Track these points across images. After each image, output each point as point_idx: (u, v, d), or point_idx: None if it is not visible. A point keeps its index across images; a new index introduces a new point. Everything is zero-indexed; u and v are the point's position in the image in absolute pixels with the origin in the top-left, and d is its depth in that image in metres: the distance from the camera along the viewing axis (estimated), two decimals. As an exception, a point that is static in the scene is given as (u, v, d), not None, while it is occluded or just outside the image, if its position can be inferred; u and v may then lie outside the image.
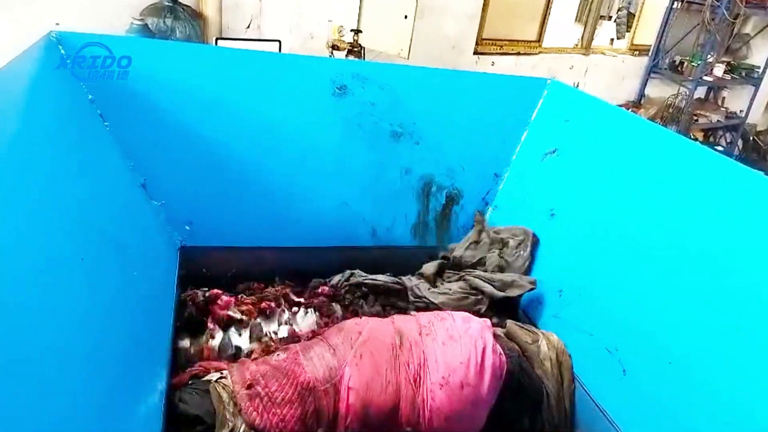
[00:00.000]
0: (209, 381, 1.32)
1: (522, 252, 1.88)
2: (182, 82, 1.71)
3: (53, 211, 1.11)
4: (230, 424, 1.22)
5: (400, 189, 2.04)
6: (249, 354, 1.54)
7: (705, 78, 5.91)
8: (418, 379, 1.34)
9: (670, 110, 5.96)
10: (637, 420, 1.39)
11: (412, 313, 1.62)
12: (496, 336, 1.48)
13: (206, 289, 1.69)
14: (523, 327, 1.61)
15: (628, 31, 6.13)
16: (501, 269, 1.87)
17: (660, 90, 6.27)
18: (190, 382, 1.34)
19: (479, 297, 1.77)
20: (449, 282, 1.88)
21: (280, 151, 1.87)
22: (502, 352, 1.41)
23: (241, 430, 1.22)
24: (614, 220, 1.65)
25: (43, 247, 1.02)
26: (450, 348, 1.38)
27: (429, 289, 1.84)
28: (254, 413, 1.24)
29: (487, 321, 1.51)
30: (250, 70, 1.79)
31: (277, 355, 1.39)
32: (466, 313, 1.55)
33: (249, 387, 1.28)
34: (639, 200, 1.61)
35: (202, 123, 1.76)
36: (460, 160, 2.09)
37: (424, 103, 2.00)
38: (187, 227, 1.80)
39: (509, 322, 1.63)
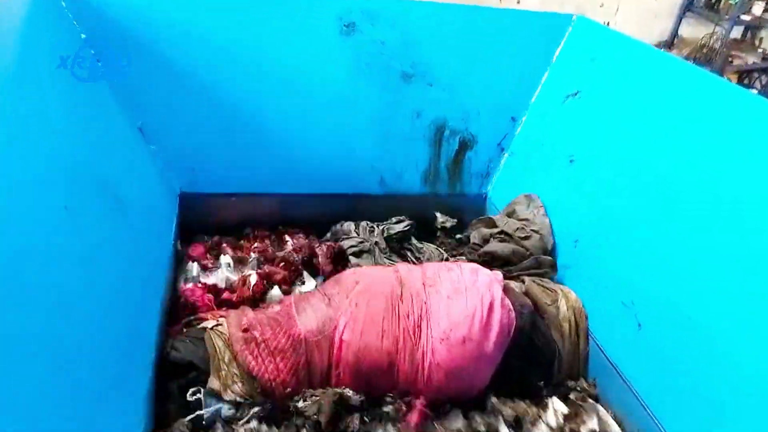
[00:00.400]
0: (204, 329, 1.29)
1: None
2: (180, 20, 1.60)
3: (42, 152, 1.05)
4: (223, 372, 1.19)
5: (411, 134, 1.94)
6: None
7: (743, 17, 5.51)
8: (417, 332, 1.28)
9: (704, 51, 5.61)
10: (650, 376, 1.33)
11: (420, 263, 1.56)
12: (507, 290, 1.41)
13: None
14: (541, 284, 1.53)
15: (663, -34, 5.71)
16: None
17: (694, 30, 5.89)
18: (184, 330, 1.31)
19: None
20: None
21: (284, 94, 1.77)
22: (512, 308, 1.34)
23: (235, 375, 1.20)
24: (638, 168, 1.53)
25: (32, 191, 0.97)
26: (455, 301, 1.31)
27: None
28: (249, 357, 1.22)
29: (498, 274, 1.44)
30: (251, 7, 1.66)
31: (272, 306, 1.35)
32: (476, 265, 1.47)
33: (245, 331, 1.25)
34: (667, 146, 1.48)
35: (202, 64, 1.66)
36: (476, 103, 1.96)
37: (438, 41, 1.86)
38: (187, 173, 1.74)
39: (527, 279, 1.56)
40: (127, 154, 1.55)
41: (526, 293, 1.50)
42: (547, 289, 1.51)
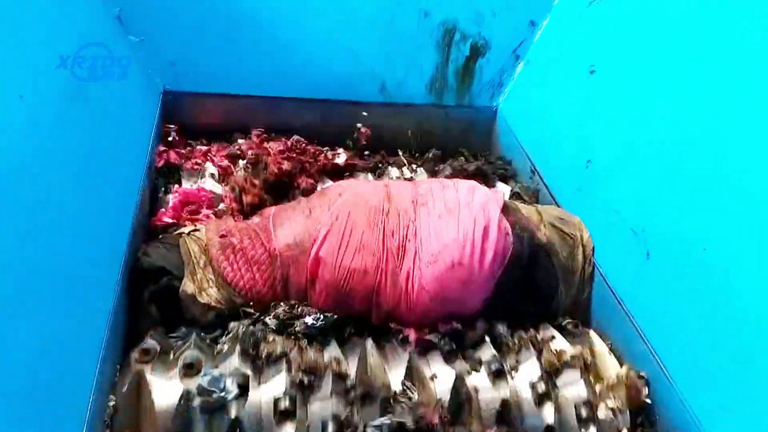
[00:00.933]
0: (180, 235, 1.22)
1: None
2: None
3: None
4: (199, 275, 1.14)
5: (417, 36, 1.75)
6: None
7: None
8: (402, 252, 1.20)
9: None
10: (654, 311, 1.25)
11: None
12: (508, 211, 1.30)
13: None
14: (560, 227, 1.40)
15: None
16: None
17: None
18: (160, 236, 1.25)
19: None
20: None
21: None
22: (509, 232, 1.24)
23: (210, 280, 1.14)
24: (662, 86, 1.37)
25: None
26: (445, 222, 1.21)
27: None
28: (225, 263, 1.17)
29: (499, 192, 1.33)
30: None
31: (253, 218, 1.27)
32: (473, 182, 1.36)
33: (222, 237, 1.20)
34: (695, 65, 1.30)
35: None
36: (491, 3, 1.75)
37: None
38: (171, 68, 1.60)
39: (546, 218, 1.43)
40: (104, 45, 1.41)
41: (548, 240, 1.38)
42: (567, 235, 1.39)
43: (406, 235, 1.21)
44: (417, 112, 1.84)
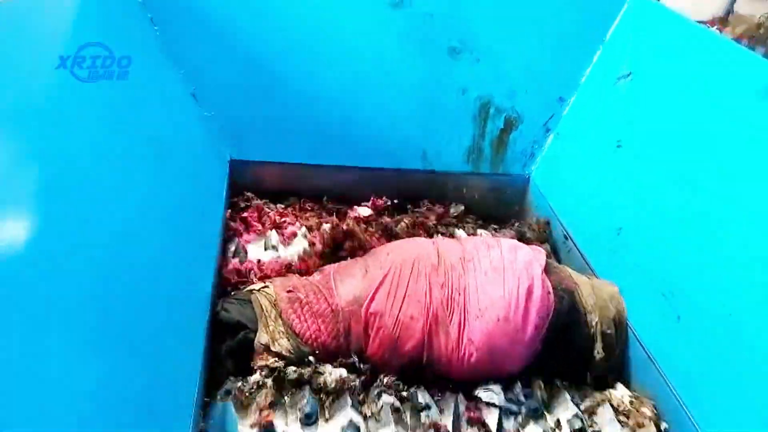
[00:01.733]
0: (251, 291, 1.34)
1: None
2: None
3: (97, 116, 1.09)
4: (271, 327, 1.25)
5: (456, 110, 1.93)
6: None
7: (807, -6, 5.21)
8: (450, 303, 1.31)
9: (761, 30, 5.34)
10: (686, 370, 1.33)
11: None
12: (548, 271, 1.41)
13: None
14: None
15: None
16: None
17: (751, 6, 5.59)
18: (232, 293, 1.38)
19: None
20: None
21: (331, 65, 1.78)
22: (551, 291, 1.35)
23: (281, 332, 1.25)
24: (687, 157, 1.50)
25: (88, 156, 1.01)
26: (491, 279, 1.33)
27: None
28: (293, 315, 1.28)
29: (541, 251, 1.44)
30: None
31: (314, 275, 1.40)
32: (515, 241, 1.48)
33: (289, 292, 1.32)
34: (717, 136, 1.44)
35: (254, 33, 1.70)
36: (523, 81, 1.93)
37: (487, 15, 1.83)
38: (237, 140, 1.78)
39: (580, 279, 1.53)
40: (181, 119, 1.60)
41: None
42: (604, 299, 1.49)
43: (456, 288, 1.33)
44: (455, 178, 1.99)
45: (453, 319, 1.30)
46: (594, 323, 1.39)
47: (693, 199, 1.45)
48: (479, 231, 1.91)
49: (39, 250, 0.83)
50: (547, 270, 1.40)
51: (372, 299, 1.30)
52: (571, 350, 1.40)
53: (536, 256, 1.42)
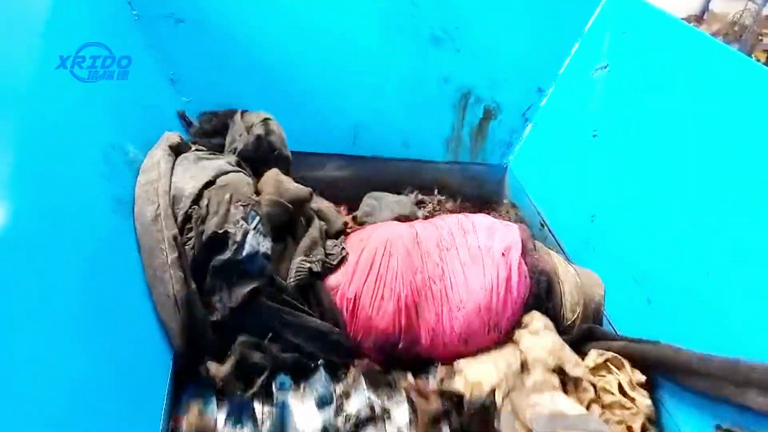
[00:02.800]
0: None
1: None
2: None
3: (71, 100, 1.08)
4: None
5: (437, 99, 1.95)
6: None
7: (779, -7, 5.33)
8: (428, 291, 1.31)
9: (735, 28, 5.46)
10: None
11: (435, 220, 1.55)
12: (525, 252, 1.40)
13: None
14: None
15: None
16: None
17: (725, 5, 5.71)
18: None
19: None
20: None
21: (313, 53, 1.78)
22: (528, 275, 1.37)
23: None
24: (660, 146, 1.54)
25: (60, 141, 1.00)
26: (470, 268, 1.34)
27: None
28: None
29: (516, 232, 1.43)
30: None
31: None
32: (491, 222, 1.47)
33: None
34: (691, 126, 1.48)
35: (233, 17, 1.67)
36: (503, 72, 1.96)
37: (470, 5, 1.84)
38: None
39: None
40: (159, 105, 1.58)
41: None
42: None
43: (431, 277, 1.32)
44: (435, 167, 2.01)
45: (431, 307, 1.31)
46: (568, 306, 1.42)
47: (665, 187, 1.49)
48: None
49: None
50: (524, 252, 1.41)
51: (348, 284, 1.29)
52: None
53: (513, 240, 1.42)
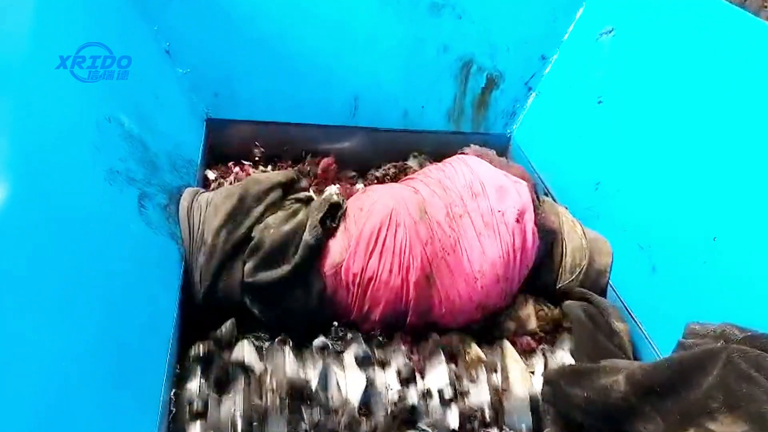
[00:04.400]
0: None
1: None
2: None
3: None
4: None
5: (437, 68, 1.90)
6: None
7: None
8: (440, 262, 1.26)
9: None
10: (662, 319, 1.36)
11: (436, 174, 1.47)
12: (535, 210, 1.37)
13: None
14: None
15: None
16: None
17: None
18: None
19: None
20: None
21: (310, 21, 1.74)
22: (537, 234, 1.33)
23: None
24: (666, 112, 1.50)
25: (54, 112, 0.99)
26: (486, 237, 1.28)
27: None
28: None
29: (526, 191, 1.38)
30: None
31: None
32: (500, 180, 1.39)
33: None
34: (698, 92, 1.44)
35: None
36: (505, 39, 1.90)
37: (470, -30, 1.79)
38: (212, 98, 1.75)
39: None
40: (155, 77, 1.56)
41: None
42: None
43: (444, 248, 1.27)
44: (436, 138, 1.97)
45: (445, 279, 1.26)
46: (568, 266, 1.39)
47: (670, 152, 1.46)
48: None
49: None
50: (534, 211, 1.37)
51: (353, 257, 1.25)
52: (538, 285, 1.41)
53: (526, 202, 1.35)
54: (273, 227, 1.23)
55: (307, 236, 1.21)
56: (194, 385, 1.10)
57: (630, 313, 1.42)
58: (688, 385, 0.97)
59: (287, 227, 1.23)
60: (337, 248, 1.27)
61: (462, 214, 1.31)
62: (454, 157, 1.57)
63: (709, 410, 0.94)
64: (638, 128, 1.58)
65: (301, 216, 1.27)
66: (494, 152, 1.75)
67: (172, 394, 1.08)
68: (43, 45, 1.02)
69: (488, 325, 1.35)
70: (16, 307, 0.75)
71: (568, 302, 1.36)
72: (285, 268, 1.21)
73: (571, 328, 1.33)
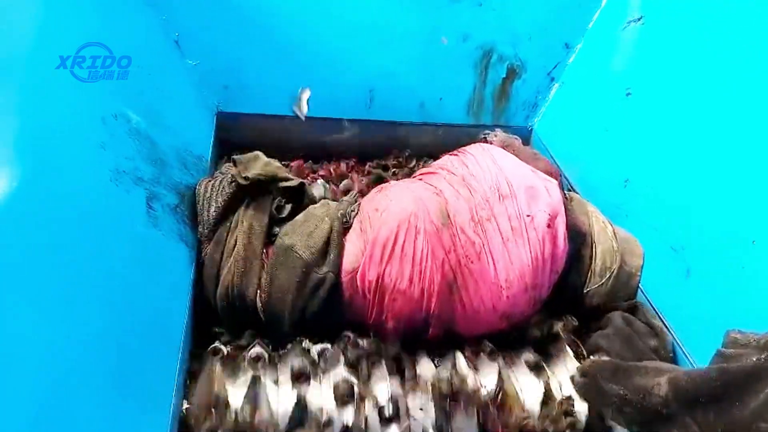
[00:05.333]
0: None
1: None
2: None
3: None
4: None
5: (456, 58, 1.82)
6: None
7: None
8: (464, 269, 1.17)
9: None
10: (696, 326, 1.29)
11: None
12: (567, 211, 1.29)
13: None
14: None
15: None
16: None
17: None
18: None
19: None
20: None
21: (327, 12, 1.66)
22: (566, 242, 1.25)
23: None
24: (699, 105, 1.42)
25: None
26: (514, 244, 1.19)
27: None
28: None
29: (557, 191, 1.29)
30: None
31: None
32: (529, 179, 1.28)
33: None
34: (732, 82, 1.35)
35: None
36: (527, 27, 1.81)
37: (490, -46, 1.71)
38: (223, 91, 1.68)
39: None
40: (164, 69, 1.50)
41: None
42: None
43: (469, 255, 1.18)
44: (456, 131, 1.90)
45: (470, 289, 1.18)
46: (597, 270, 1.32)
47: (705, 147, 1.38)
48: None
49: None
50: (565, 213, 1.28)
51: (368, 264, 1.17)
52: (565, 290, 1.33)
53: (556, 204, 1.25)
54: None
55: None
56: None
57: (662, 319, 1.35)
58: (735, 400, 0.92)
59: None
60: (352, 252, 1.20)
61: (489, 218, 1.21)
62: (476, 145, 1.47)
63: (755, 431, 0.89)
64: (670, 122, 1.50)
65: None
66: (520, 141, 1.67)
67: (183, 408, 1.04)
68: (45, 43, 0.98)
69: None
70: (19, 311, 0.72)
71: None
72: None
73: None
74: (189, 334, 1.15)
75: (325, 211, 1.26)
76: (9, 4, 0.96)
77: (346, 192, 1.59)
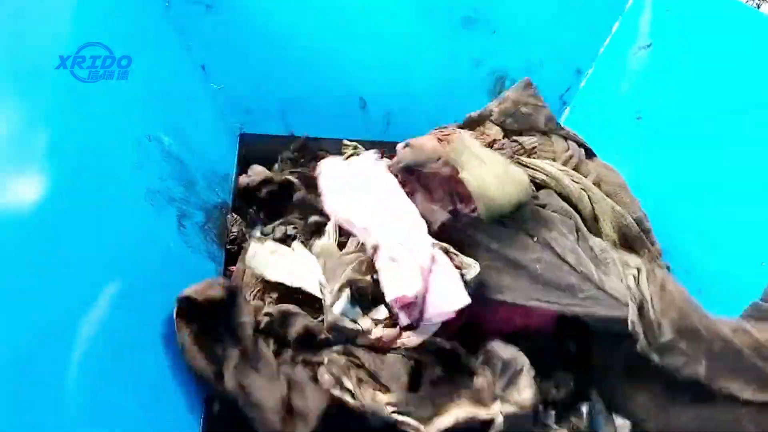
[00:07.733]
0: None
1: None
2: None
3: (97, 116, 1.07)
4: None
5: (469, 83, 1.88)
6: None
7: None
8: None
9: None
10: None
11: None
12: None
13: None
14: None
15: None
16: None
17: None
18: None
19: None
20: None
21: (342, 36, 1.73)
22: None
23: None
24: (710, 128, 1.46)
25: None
26: None
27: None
28: None
29: None
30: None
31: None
32: None
33: None
34: (742, 107, 1.40)
35: (263, 1, 1.64)
36: (539, 53, 1.87)
37: (502, -19, 1.77)
38: (245, 113, 1.75)
39: None
40: (190, 93, 1.57)
41: None
42: None
43: None
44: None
45: None
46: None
47: (715, 171, 1.42)
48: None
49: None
50: None
51: None
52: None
53: None
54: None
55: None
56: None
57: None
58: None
59: None
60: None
61: None
62: None
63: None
64: (680, 145, 1.54)
65: None
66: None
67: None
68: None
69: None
70: (54, 327, 0.75)
71: None
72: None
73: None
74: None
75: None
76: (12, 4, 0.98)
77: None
